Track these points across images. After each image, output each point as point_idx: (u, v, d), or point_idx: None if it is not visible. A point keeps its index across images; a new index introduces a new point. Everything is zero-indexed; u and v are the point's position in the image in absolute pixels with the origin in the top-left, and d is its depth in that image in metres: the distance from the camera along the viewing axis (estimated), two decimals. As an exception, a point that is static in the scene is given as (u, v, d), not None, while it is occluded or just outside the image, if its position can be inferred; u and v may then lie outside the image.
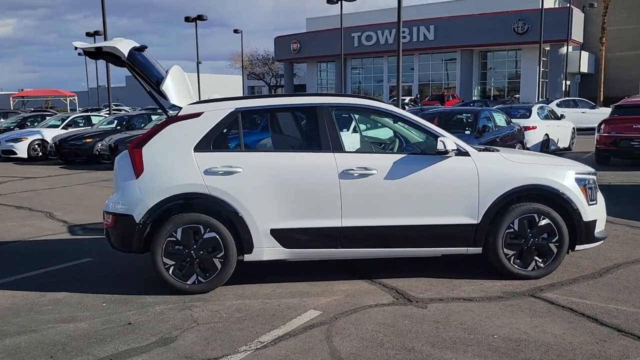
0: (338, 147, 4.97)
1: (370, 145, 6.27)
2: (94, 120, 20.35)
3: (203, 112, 5.01)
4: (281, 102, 5.26)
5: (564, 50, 40.09)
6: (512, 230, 5.01)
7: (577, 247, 5.13)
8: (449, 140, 4.94)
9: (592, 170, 5.34)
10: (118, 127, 18.04)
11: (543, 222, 5.01)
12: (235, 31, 52.62)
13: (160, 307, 4.60)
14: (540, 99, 31.58)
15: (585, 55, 46.71)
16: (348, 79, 49.47)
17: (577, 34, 42.27)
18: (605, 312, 4.25)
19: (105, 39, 24.14)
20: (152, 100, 5.33)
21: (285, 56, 52.73)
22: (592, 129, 22.76)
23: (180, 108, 5.07)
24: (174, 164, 4.89)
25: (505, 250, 5.02)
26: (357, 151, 5.23)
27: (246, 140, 5.03)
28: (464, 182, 4.95)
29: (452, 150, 4.93)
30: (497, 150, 5.33)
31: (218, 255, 4.86)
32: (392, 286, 4.98)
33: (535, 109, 15.48)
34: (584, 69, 46.85)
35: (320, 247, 4.97)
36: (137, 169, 4.87)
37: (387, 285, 5.02)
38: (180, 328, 4.16)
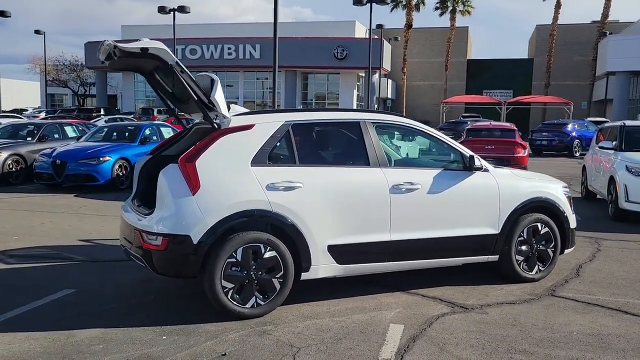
0: (384, 163, 5.10)
1: None
2: None
3: (255, 125, 4.74)
4: (328, 117, 5.19)
5: (376, 77, 44.08)
6: (522, 238, 5.62)
7: (565, 251, 5.96)
8: (479, 158, 5.40)
9: (566, 184, 6.26)
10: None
11: (544, 231, 5.71)
12: (37, 32, 47.45)
13: (234, 335, 4.22)
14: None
15: (390, 82, 52.02)
16: (169, 92, 47.84)
17: (387, 63, 46.83)
18: (623, 305, 5.03)
19: None
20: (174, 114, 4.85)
21: (98, 63, 48.85)
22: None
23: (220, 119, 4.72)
24: (233, 179, 4.53)
25: (516, 256, 5.62)
26: (399, 166, 5.36)
27: (300, 154, 4.86)
28: (488, 196, 5.43)
29: (483, 166, 5.40)
30: (503, 167, 5.94)
31: (277, 275, 4.61)
32: (431, 296, 5.22)
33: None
34: (390, 95, 52.12)
35: (370, 261, 5.02)
36: (193, 184, 4.41)
37: (426, 295, 5.24)
38: (286, 354, 3.89)
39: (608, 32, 44.57)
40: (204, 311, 4.67)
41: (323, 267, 4.79)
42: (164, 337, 4.16)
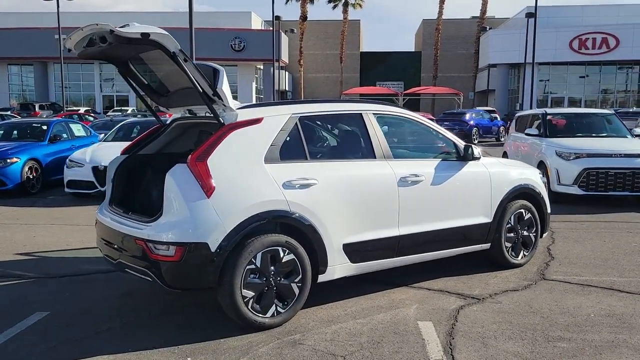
0: (388, 155, 4.93)
1: None
2: None
3: (263, 118, 4.36)
4: (331, 109, 4.87)
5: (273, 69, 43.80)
6: (510, 225, 5.72)
7: (543, 235, 6.16)
8: (475, 147, 5.41)
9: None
10: None
11: (527, 216, 5.86)
12: None
13: (265, 348, 3.85)
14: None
15: (287, 74, 51.95)
16: (51, 86, 44.34)
17: (285, 55, 46.65)
18: (612, 284, 5.27)
19: None
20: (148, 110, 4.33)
21: (-36, 54, 44.14)
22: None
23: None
24: (248, 178, 4.13)
25: (506, 243, 5.71)
26: (401, 157, 5.17)
27: (309, 148, 4.54)
28: (482, 185, 5.46)
29: (480, 156, 5.41)
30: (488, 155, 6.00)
31: (296, 280, 4.30)
32: (436, 289, 5.14)
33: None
34: (287, 87, 52.07)
35: (380, 258, 4.83)
36: (207, 186, 3.95)
37: (431, 288, 5.16)
38: (334, 365, 3.62)
39: (488, 27, 47.61)
40: (214, 324, 4.26)
41: (339, 267, 4.55)
42: (189, 359, 3.70)
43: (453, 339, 4.01)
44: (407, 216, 4.90)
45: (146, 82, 4.99)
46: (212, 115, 4.52)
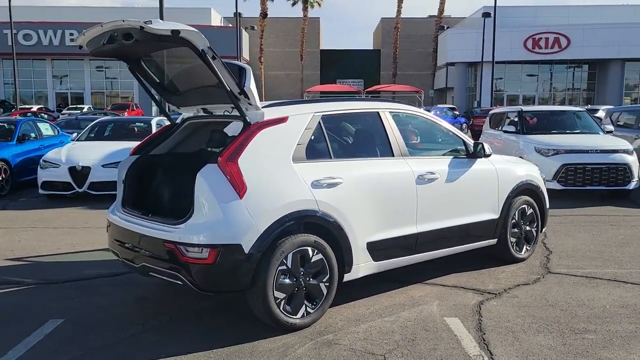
0: (405, 153, 4.95)
1: None
2: None
3: (288, 117, 4.30)
4: (351, 107, 4.84)
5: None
6: (514, 221, 5.84)
7: (543, 230, 6.32)
8: (486, 144, 5.49)
9: (536, 168, 6.64)
10: None
11: (529, 212, 6.00)
12: None
13: (302, 349, 3.81)
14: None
15: (247, 72, 51.48)
16: (0, 82, 42.62)
17: (245, 52, 46.22)
18: (615, 276, 5.45)
19: None
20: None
21: None
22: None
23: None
24: (279, 178, 4.07)
25: (511, 238, 5.83)
26: (415, 155, 5.18)
27: (332, 147, 4.51)
28: (491, 181, 5.55)
29: (491, 153, 5.51)
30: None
31: (324, 280, 4.26)
32: (450, 285, 5.20)
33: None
34: (247, 84, 51.57)
35: (399, 255, 4.85)
36: (240, 186, 3.87)
37: (445, 285, 5.21)
38: (377, 364, 3.60)
39: (445, 26, 48.48)
40: (241, 326, 4.19)
41: (363, 265, 4.54)
42: (228, 363, 3.62)
43: (484, 334, 4.06)
44: (424, 213, 4.94)
45: (158, 80, 4.86)
46: (230, 114, 4.47)
